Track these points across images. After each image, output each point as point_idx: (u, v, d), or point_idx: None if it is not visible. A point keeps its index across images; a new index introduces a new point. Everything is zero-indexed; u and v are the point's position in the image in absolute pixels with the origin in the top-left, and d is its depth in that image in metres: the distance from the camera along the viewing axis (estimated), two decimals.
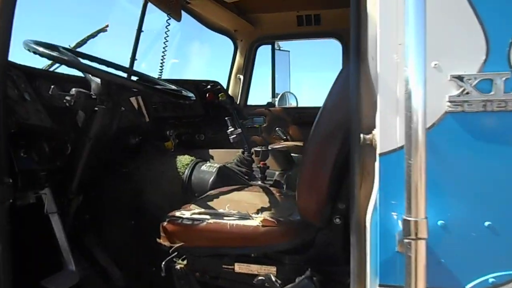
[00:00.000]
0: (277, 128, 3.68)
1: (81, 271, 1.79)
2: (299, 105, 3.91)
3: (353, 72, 0.93)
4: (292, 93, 3.94)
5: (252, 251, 1.25)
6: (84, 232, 1.99)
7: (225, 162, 2.04)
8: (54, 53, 1.29)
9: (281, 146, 3.20)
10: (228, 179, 1.90)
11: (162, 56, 2.43)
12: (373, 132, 0.90)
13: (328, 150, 1.15)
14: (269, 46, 3.80)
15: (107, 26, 2.16)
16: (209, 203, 1.50)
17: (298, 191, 1.21)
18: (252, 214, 1.32)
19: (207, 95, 2.42)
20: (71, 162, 1.55)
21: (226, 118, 2.03)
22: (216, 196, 1.61)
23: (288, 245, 1.23)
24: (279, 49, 3.87)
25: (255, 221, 1.23)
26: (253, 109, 3.76)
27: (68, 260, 1.63)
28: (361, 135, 0.91)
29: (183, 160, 2.04)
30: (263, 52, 3.80)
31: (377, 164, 0.87)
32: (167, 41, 2.38)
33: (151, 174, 1.99)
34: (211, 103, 2.43)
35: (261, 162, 1.89)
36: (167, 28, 2.34)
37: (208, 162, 2.11)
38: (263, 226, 1.22)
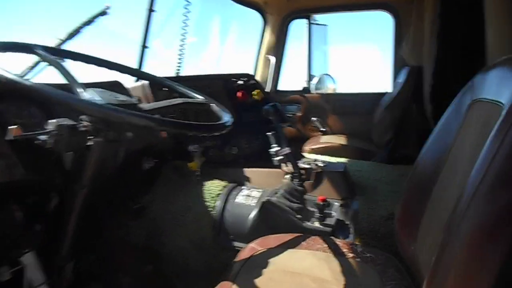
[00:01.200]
0: (313, 118, 3.16)
1: None
2: (339, 91, 3.35)
3: None
4: (331, 76, 3.38)
5: None
6: (87, 281, 1.55)
7: (269, 191, 1.55)
8: (14, 77, 0.79)
9: (323, 145, 2.68)
10: (275, 219, 1.42)
11: (181, 45, 1.90)
12: None
13: (490, 251, 0.65)
14: (304, 20, 3.21)
15: (107, 8, 1.63)
16: (258, 282, 1.03)
17: None
18: None
19: (238, 93, 1.90)
20: (58, 219, 1.08)
21: (268, 133, 1.52)
22: (264, 262, 1.13)
23: None
24: (316, 23, 3.28)
25: None
26: (285, 96, 3.23)
27: None
28: None
29: (213, 189, 1.56)
30: (296, 28, 3.22)
31: None
32: (186, 25, 1.84)
33: (171, 209, 1.52)
34: (243, 103, 1.91)
35: (320, 197, 1.40)
36: (187, 8, 1.79)
37: (244, 187, 1.62)
38: None
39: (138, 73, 1.45)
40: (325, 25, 3.38)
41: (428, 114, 2.10)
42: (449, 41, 1.78)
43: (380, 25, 3.33)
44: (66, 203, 1.08)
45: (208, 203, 1.51)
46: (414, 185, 1.08)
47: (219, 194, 1.54)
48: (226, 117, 1.16)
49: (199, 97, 1.32)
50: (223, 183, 1.61)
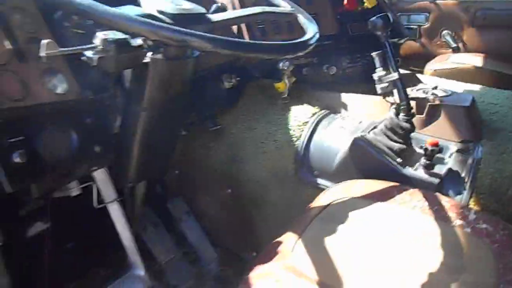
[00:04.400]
0: (444, 31, 2.60)
1: (162, 254, 1.41)
2: None
3: None
4: None
5: None
6: (170, 196, 1.56)
7: (367, 123, 1.29)
8: None
9: (451, 66, 2.20)
10: (367, 160, 1.18)
11: None
12: None
13: None
14: None
15: None
16: (327, 243, 0.85)
17: None
18: None
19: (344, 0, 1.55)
20: (122, 140, 1.01)
21: (373, 54, 1.22)
22: (342, 216, 0.94)
23: None
24: None
25: None
26: (411, 2, 2.69)
27: (135, 262, 1.22)
28: None
29: (300, 116, 1.36)
30: None
31: None
32: None
33: (252, 134, 1.38)
34: (350, 13, 1.56)
35: (430, 142, 1.10)
36: None
37: (338, 116, 1.39)
38: None
39: None
40: None
41: None
42: None
43: None
44: (127, 126, 1.00)
45: (292, 132, 1.32)
46: None
47: (306, 122, 1.33)
48: (311, 31, 0.91)
49: (284, 5, 1.07)
50: (313, 109, 1.39)
